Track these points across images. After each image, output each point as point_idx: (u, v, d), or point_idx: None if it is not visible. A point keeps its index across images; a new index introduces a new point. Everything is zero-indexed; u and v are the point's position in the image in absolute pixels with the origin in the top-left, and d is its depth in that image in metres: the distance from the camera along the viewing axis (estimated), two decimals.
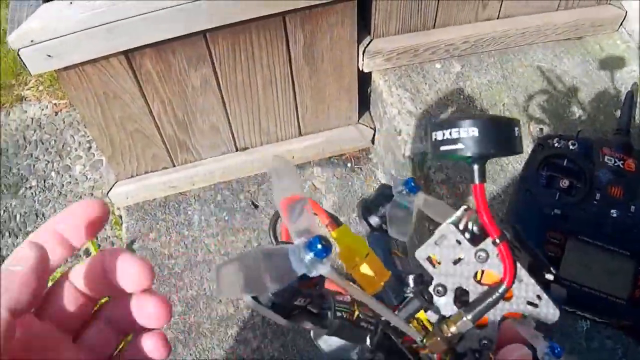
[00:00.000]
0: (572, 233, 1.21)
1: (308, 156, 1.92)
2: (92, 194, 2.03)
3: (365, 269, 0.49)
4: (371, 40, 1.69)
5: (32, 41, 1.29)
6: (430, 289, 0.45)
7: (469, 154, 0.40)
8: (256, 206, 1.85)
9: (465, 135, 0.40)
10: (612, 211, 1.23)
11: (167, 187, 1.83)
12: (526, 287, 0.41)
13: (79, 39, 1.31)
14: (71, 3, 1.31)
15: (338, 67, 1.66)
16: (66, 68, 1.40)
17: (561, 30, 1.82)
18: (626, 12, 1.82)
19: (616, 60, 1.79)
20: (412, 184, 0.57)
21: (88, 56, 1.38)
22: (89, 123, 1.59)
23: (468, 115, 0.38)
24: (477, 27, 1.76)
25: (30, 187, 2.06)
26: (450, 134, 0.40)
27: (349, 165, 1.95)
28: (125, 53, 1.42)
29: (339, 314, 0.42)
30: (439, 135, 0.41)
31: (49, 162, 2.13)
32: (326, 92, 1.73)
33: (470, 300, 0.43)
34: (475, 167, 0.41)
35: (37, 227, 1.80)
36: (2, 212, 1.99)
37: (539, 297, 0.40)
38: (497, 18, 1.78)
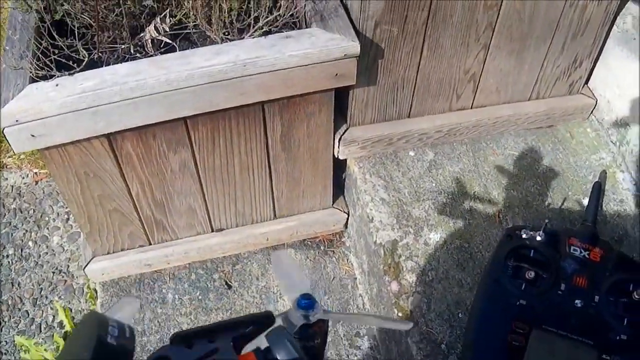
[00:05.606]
0: (537, 323, 1.23)
1: (282, 238, 1.94)
2: (68, 266, 2.03)
3: None
4: (347, 129, 1.73)
5: (16, 121, 1.30)
6: None
7: None
8: (230, 286, 1.86)
9: None
10: (577, 301, 1.25)
11: (142, 265, 1.84)
12: None
13: (63, 121, 1.33)
14: (57, 85, 1.34)
15: (314, 154, 1.70)
16: (48, 148, 1.42)
17: (533, 119, 1.87)
18: (596, 100, 1.88)
19: (586, 148, 1.85)
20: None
21: (71, 137, 1.40)
22: (69, 200, 1.60)
23: None
24: (450, 116, 1.80)
25: (7, 256, 2.06)
26: None
27: (322, 248, 1.97)
28: (107, 135, 1.44)
29: None
30: None
31: (27, 231, 2.13)
32: (302, 178, 1.76)
33: None
34: None
35: (11, 296, 1.75)
36: None
37: None
38: (471, 108, 1.83)
